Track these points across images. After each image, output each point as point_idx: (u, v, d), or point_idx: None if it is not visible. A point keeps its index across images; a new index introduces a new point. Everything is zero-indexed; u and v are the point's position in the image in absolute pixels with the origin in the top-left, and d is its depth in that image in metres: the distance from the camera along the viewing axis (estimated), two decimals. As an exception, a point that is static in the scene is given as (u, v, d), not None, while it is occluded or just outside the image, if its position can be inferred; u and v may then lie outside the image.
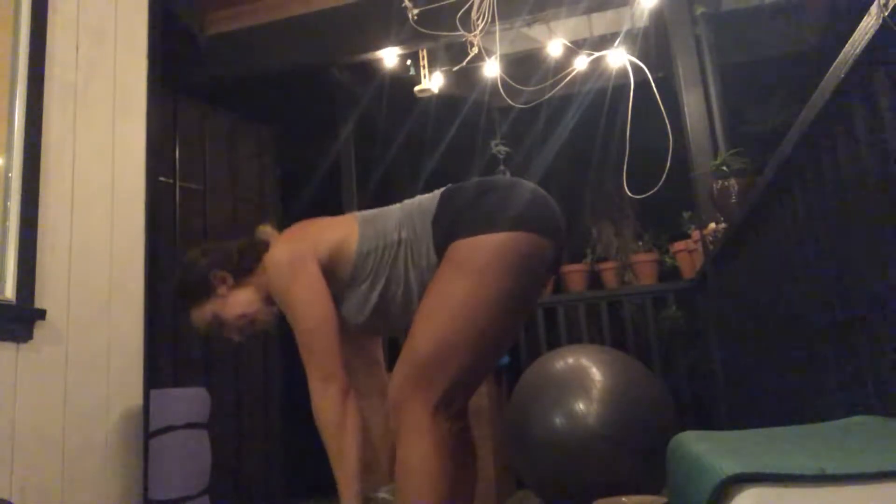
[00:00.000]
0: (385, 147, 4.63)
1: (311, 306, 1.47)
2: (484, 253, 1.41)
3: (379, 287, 1.52)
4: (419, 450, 1.36)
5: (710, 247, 2.85)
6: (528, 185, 1.53)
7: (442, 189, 1.57)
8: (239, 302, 1.63)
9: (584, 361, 2.67)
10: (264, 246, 1.63)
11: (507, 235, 1.41)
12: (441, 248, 1.47)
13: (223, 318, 1.63)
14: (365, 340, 1.73)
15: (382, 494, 1.55)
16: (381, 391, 1.72)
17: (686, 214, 3.51)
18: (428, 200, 1.55)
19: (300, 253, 1.51)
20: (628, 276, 3.83)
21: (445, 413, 1.40)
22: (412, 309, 1.51)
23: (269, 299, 1.62)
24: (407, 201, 1.59)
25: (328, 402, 1.43)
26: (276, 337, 3.79)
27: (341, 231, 1.56)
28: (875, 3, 1.05)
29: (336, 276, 1.53)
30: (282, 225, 1.69)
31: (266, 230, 1.69)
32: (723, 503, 0.77)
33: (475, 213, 1.45)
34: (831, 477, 0.74)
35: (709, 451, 0.96)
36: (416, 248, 1.50)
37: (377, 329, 1.65)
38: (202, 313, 1.64)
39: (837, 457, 0.85)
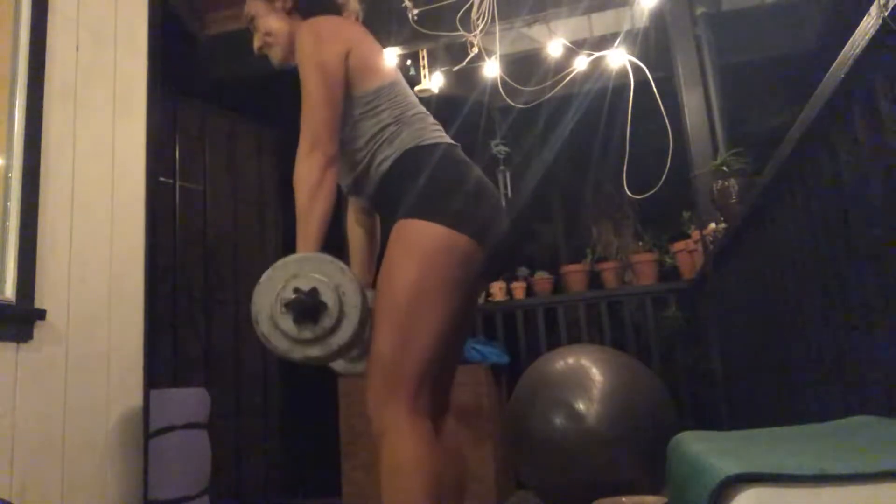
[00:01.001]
0: (385, 147, 4.62)
1: (324, 78, 1.51)
2: (440, 245, 1.43)
3: (346, 133, 1.56)
4: (402, 450, 1.36)
5: (710, 247, 2.85)
6: (497, 197, 1.56)
7: (448, 142, 1.57)
8: (276, 24, 1.69)
9: (584, 361, 2.67)
10: (334, 11, 1.68)
11: (468, 240, 1.44)
12: (397, 180, 1.50)
13: (258, 27, 1.70)
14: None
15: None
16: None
17: (686, 214, 3.51)
18: (428, 133, 1.56)
19: (338, 39, 1.56)
20: (628, 276, 3.82)
21: (424, 409, 1.41)
22: (346, 178, 1.60)
23: (292, 49, 1.65)
24: (427, 115, 1.61)
25: (310, 165, 1.47)
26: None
27: (376, 66, 1.60)
28: (875, 3, 1.05)
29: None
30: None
31: (356, 10, 1.74)
32: (723, 503, 0.77)
33: (446, 202, 1.46)
34: (831, 477, 0.74)
35: (709, 451, 0.97)
36: (384, 147, 1.53)
37: None
38: (251, 7, 1.72)
39: (837, 457, 0.85)
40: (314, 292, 1.34)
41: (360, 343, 1.43)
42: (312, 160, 1.47)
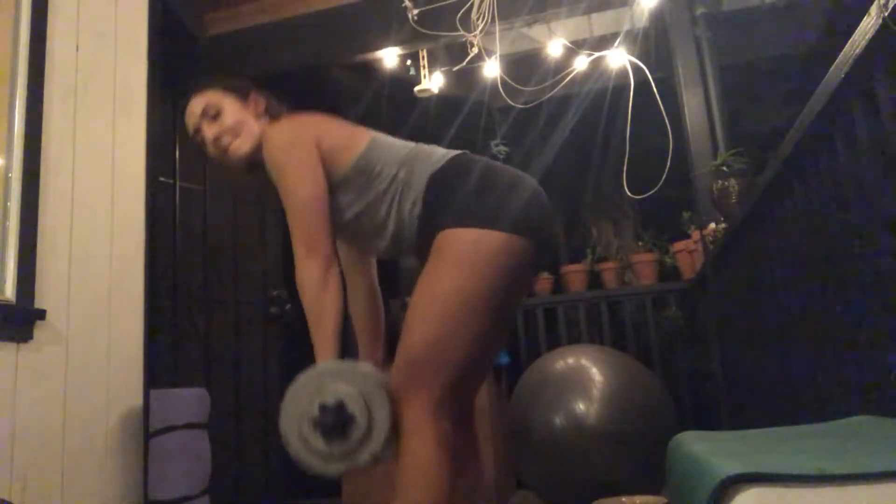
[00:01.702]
0: (385, 147, 4.61)
1: (304, 180, 1.49)
2: (481, 249, 1.41)
3: (357, 207, 1.54)
4: (419, 451, 1.35)
5: (710, 247, 2.85)
6: (530, 184, 1.53)
7: (456, 152, 1.56)
8: (246, 122, 1.65)
9: (584, 361, 2.67)
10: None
11: (505, 236, 1.41)
12: (431, 210, 1.48)
13: (222, 120, 1.63)
14: (363, 264, 1.76)
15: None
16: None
17: (686, 214, 3.51)
18: (438, 155, 1.54)
19: (304, 133, 1.54)
20: (628, 276, 3.82)
21: (447, 413, 1.40)
22: (380, 243, 1.56)
23: (256, 153, 1.62)
24: (420, 145, 1.59)
25: (310, 272, 1.44)
26: (276, 337, 3.79)
27: (350, 136, 1.58)
28: (875, 3, 1.05)
29: (325, 174, 1.54)
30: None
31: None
32: (723, 503, 0.77)
33: (479, 204, 1.45)
34: (831, 477, 0.74)
35: (709, 451, 0.97)
36: (406, 193, 1.51)
37: (345, 238, 1.67)
38: (215, 100, 1.65)
39: (837, 457, 0.85)
40: (340, 406, 1.32)
41: (392, 445, 1.40)
42: (312, 264, 1.44)
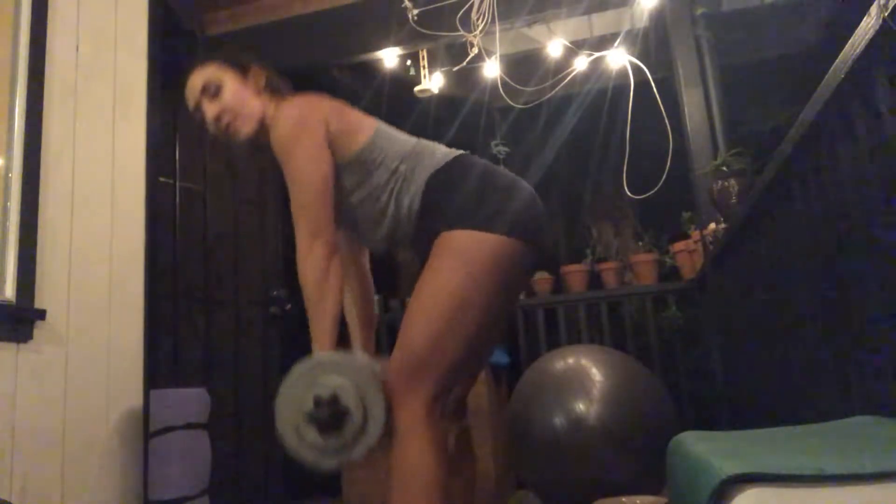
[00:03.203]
0: (385, 147, 4.61)
1: (310, 163, 1.48)
2: (481, 250, 1.42)
3: (357, 195, 1.54)
4: (416, 449, 1.36)
5: (710, 247, 2.85)
6: (528, 189, 1.54)
7: (458, 153, 1.56)
8: (246, 100, 1.63)
9: (584, 361, 2.67)
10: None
11: (505, 239, 1.43)
12: (429, 210, 1.48)
13: (222, 95, 1.61)
14: (357, 254, 1.76)
15: None
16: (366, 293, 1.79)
17: (686, 214, 3.51)
18: (440, 154, 1.55)
19: (314, 116, 1.52)
20: (628, 276, 3.82)
21: (440, 412, 1.41)
22: (377, 233, 1.56)
23: (260, 127, 1.62)
24: (423, 141, 1.59)
25: (313, 258, 1.43)
26: (276, 337, 3.79)
27: (357, 123, 1.58)
28: (875, 3, 1.05)
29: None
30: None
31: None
32: (723, 503, 0.77)
33: (478, 207, 1.45)
34: (831, 477, 0.74)
35: (709, 451, 0.97)
36: (405, 188, 1.51)
37: (348, 223, 1.66)
38: (215, 75, 1.63)
39: (837, 457, 0.85)
40: (335, 399, 1.32)
41: (387, 438, 1.40)
42: (315, 251, 1.43)
